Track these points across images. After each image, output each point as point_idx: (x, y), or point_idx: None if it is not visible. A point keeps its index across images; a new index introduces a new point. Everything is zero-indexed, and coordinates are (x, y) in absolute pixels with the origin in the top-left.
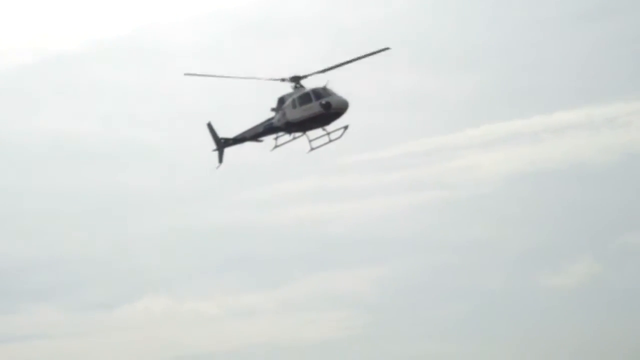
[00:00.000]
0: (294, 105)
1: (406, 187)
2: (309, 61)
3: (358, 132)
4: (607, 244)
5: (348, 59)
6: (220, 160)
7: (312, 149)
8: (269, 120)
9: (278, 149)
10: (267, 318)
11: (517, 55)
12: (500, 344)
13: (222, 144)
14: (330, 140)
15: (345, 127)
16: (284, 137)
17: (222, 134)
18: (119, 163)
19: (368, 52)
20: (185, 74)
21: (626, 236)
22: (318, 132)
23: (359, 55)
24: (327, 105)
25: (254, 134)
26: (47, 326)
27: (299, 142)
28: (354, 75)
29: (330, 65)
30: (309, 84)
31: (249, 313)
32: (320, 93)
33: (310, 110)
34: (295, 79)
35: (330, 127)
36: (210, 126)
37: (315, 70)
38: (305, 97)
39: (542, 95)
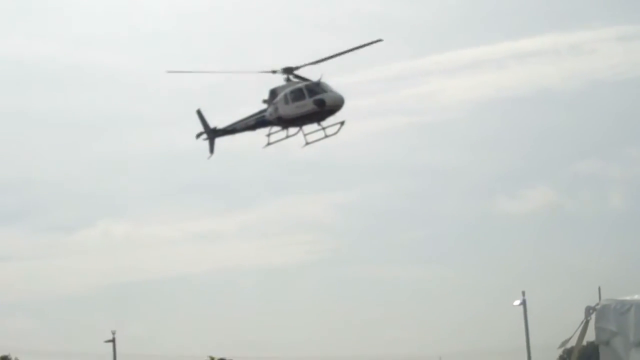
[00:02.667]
0: (286, 101)
1: (371, 112)
2: None
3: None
4: (569, 170)
5: (342, 50)
6: (212, 150)
7: (307, 143)
8: (261, 112)
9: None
10: (231, 242)
11: None
12: (463, 268)
13: (212, 133)
14: (326, 136)
15: (342, 123)
16: (278, 135)
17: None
18: (83, 86)
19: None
20: (168, 72)
21: (588, 162)
22: (313, 125)
23: (353, 46)
24: (321, 103)
25: (245, 127)
26: (12, 248)
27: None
28: (321, 2)
29: (323, 56)
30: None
31: (212, 237)
32: (313, 89)
33: (303, 108)
34: (288, 71)
35: (325, 122)
36: (199, 113)
37: (308, 61)
38: (298, 93)
39: (508, 22)
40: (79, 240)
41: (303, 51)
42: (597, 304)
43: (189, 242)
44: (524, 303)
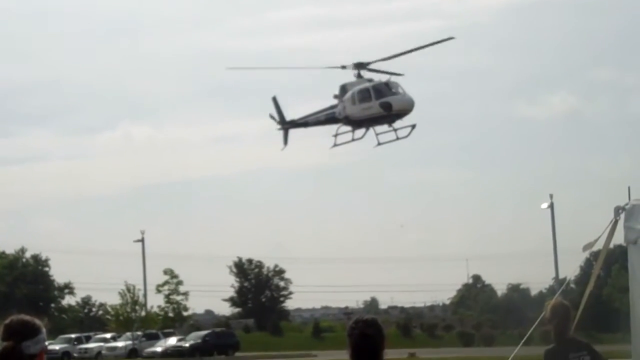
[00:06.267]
0: (353, 101)
1: (404, 16)
2: None
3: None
4: (589, 76)
5: (417, 45)
6: (286, 142)
7: (379, 143)
8: (332, 108)
9: None
10: (257, 145)
11: None
12: (489, 171)
13: (288, 124)
14: (398, 138)
15: (413, 126)
16: (345, 136)
17: None
18: None
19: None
20: (228, 69)
21: (608, 69)
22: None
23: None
24: (388, 106)
25: (316, 121)
26: (41, 149)
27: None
28: None
29: (395, 52)
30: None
31: (237, 140)
32: (381, 90)
33: (369, 110)
34: (358, 66)
35: (396, 124)
36: (275, 100)
37: (379, 57)
38: (365, 94)
39: None
40: (105, 142)
41: None
42: (627, 204)
43: (214, 144)
44: (551, 206)
